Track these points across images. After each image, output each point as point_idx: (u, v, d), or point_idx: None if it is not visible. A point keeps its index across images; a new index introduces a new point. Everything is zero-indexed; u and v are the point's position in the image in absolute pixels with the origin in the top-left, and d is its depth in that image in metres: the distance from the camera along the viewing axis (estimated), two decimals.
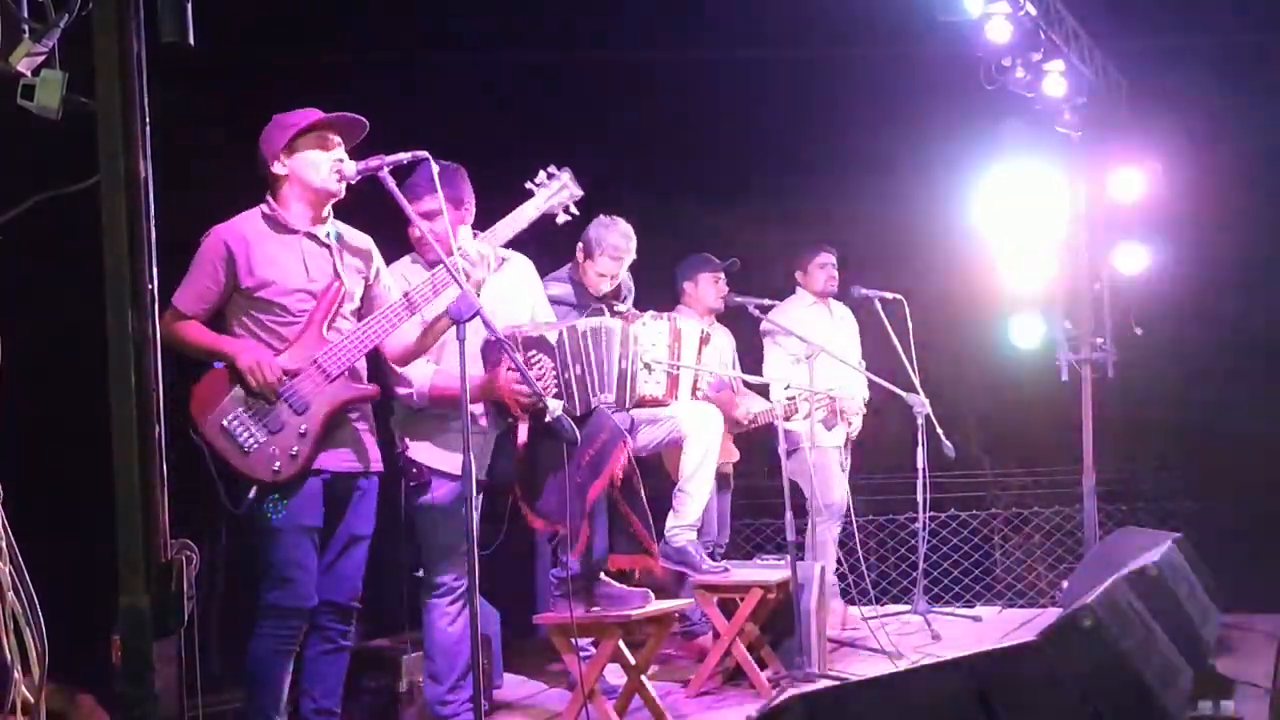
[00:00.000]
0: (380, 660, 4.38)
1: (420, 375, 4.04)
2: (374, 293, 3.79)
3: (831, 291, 6.41)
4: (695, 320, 5.49)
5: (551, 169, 3.94)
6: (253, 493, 3.40)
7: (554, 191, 3.91)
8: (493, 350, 3.96)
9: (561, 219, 3.98)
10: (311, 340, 3.56)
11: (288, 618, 3.51)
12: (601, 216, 4.76)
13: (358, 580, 3.71)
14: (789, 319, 6.13)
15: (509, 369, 3.82)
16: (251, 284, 3.54)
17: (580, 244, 4.82)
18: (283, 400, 3.48)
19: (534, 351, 3.98)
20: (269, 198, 3.65)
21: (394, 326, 3.66)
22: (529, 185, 3.97)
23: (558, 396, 3.92)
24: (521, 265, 4.40)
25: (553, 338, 4.04)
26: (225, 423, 3.41)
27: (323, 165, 3.58)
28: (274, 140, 3.61)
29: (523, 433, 3.93)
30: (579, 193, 3.95)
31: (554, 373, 3.98)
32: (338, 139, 3.65)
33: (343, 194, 3.64)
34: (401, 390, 4.08)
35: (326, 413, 3.53)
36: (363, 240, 3.81)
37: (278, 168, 3.61)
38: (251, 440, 3.42)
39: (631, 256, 4.79)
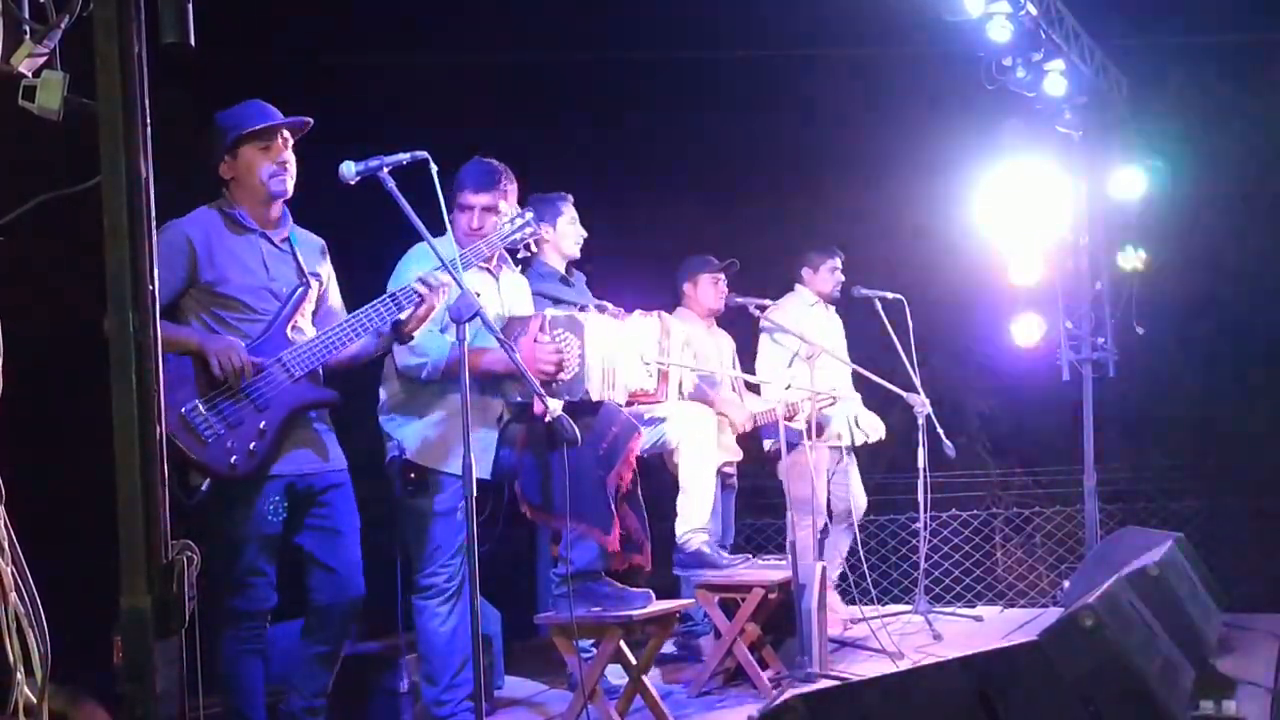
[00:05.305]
0: (380, 660, 4.38)
1: (438, 346, 3.96)
2: (325, 299, 3.76)
3: (838, 296, 6.40)
4: (687, 323, 5.48)
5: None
6: (205, 485, 3.34)
7: (517, 228, 4.04)
8: (515, 328, 3.99)
9: (522, 254, 4.24)
10: (276, 339, 3.54)
11: (246, 620, 3.50)
12: (532, 196, 4.65)
13: (358, 577, 3.66)
14: (789, 317, 6.12)
15: (535, 341, 3.83)
16: (211, 278, 3.50)
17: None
18: (245, 395, 3.43)
19: (561, 330, 3.95)
20: (225, 194, 3.64)
21: (367, 332, 3.63)
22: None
23: (577, 378, 3.91)
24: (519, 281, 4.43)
25: (580, 318, 4.03)
26: (184, 411, 3.34)
27: (263, 167, 3.57)
28: (216, 142, 3.61)
29: (540, 406, 3.89)
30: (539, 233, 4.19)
31: (579, 352, 3.95)
32: (283, 138, 3.62)
33: (288, 194, 3.63)
34: (413, 360, 3.97)
35: (288, 413, 3.50)
36: (317, 244, 3.80)
37: (224, 170, 3.62)
38: (210, 432, 3.36)
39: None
